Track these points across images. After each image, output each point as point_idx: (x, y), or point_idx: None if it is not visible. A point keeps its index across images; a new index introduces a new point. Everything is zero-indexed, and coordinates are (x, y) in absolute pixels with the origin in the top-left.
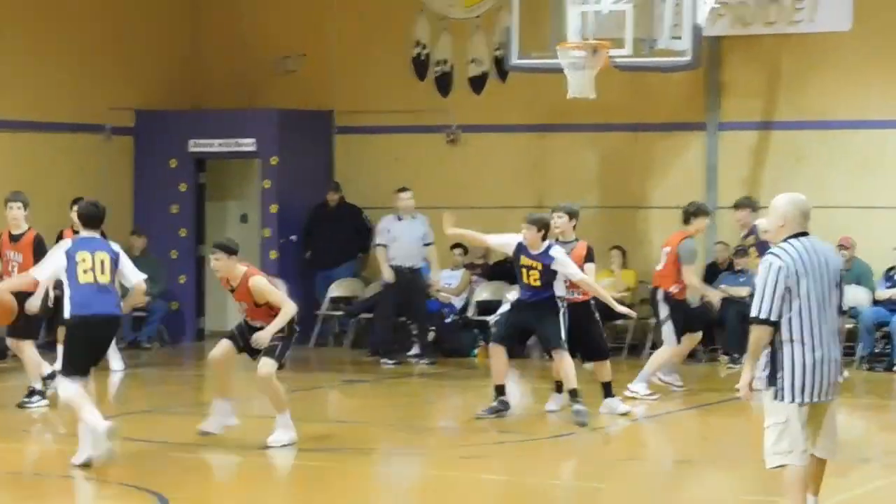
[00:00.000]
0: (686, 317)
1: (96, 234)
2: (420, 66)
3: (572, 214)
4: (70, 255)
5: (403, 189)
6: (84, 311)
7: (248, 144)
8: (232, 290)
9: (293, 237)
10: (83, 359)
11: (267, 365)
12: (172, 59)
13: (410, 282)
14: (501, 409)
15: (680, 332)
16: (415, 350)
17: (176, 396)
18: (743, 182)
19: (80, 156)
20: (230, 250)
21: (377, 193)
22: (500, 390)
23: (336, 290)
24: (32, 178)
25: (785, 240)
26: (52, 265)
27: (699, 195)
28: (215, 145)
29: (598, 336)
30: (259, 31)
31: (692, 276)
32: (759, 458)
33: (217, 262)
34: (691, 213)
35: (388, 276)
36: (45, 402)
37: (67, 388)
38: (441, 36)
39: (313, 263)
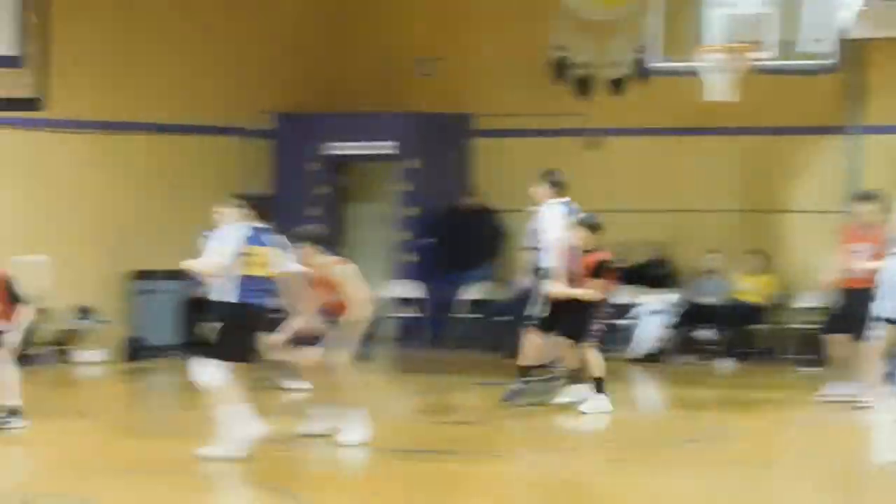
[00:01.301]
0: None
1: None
2: (559, 68)
3: (593, 228)
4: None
5: None
6: (253, 300)
7: (386, 147)
8: None
9: (431, 240)
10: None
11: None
12: (312, 62)
13: None
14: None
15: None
16: None
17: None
18: (887, 185)
19: (222, 158)
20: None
21: (515, 197)
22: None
23: (471, 292)
24: (178, 179)
25: None
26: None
27: (841, 199)
28: (354, 148)
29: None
30: (398, 34)
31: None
32: None
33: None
34: None
35: (524, 282)
36: None
37: (216, 375)
38: (581, 38)
39: (449, 266)
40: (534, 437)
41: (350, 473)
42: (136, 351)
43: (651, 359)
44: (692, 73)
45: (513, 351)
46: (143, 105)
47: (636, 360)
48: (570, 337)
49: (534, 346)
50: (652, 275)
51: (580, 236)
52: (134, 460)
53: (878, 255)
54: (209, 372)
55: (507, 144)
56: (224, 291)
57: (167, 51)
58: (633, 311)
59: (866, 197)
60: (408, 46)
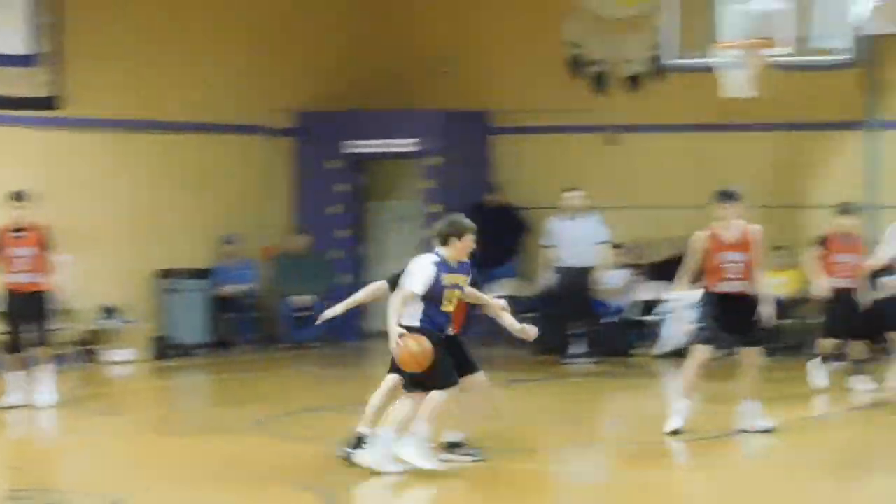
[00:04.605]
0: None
1: None
2: (575, 65)
3: None
4: None
5: (570, 188)
6: None
7: (407, 145)
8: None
9: None
10: None
11: None
12: (334, 60)
13: (577, 281)
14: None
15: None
16: (576, 349)
17: (339, 396)
18: None
19: (242, 157)
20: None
21: (537, 193)
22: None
23: (498, 290)
24: (198, 178)
25: None
26: None
27: (860, 195)
28: (375, 146)
29: None
30: (418, 31)
31: None
32: None
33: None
34: None
35: (545, 279)
36: None
37: None
38: (596, 35)
39: (474, 264)
40: (567, 434)
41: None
42: (165, 349)
43: (678, 354)
44: (709, 69)
45: (540, 347)
46: (163, 104)
47: (664, 357)
48: None
49: None
50: (676, 271)
51: None
52: (167, 458)
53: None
54: None
55: (526, 141)
56: None
57: (186, 49)
58: (659, 308)
59: (846, 210)
60: (429, 44)
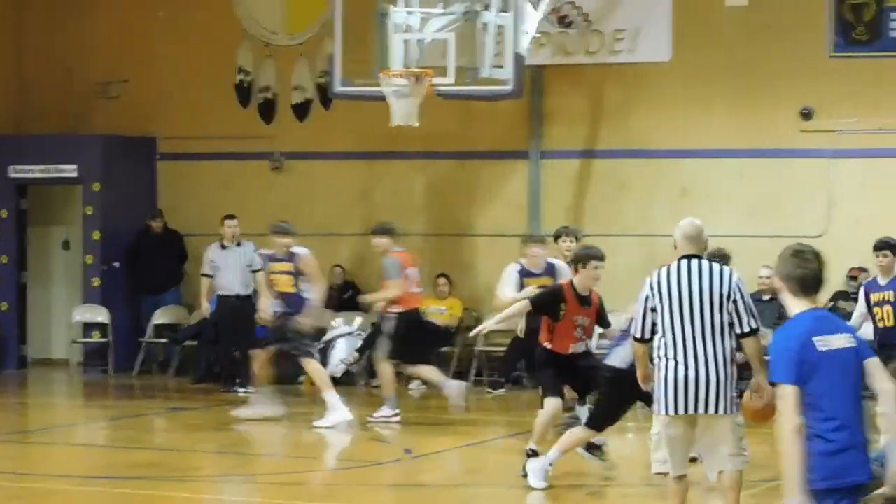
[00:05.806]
0: None
1: None
2: (243, 92)
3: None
4: None
5: (229, 216)
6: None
7: (69, 170)
8: None
9: (116, 264)
10: None
11: None
12: None
13: (238, 309)
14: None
15: None
16: (239, 377)
17: None
18: (566, 209)
19: None
20: None
21: (202, 220)
22: None
23: (161, 317)
24: None
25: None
26: None
27: (524, 223)
28: (36, 171)
29: None
30: (83, 56)
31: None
32: None
33: None
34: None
35: (203, 309)
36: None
37: None
38: (264, 63)
39: (139, 290)
40: (226, 463)
41: (40, 499)
42: None
43: (340, 381)
44: (375, 97)
45: (202, 375)
46: None
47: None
48: None
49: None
50: (341, 298)
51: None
52: None
53: None
54: None
55: (193, 167)
56: None
57: None
58: (326, 336)
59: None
60: (92, 68)
